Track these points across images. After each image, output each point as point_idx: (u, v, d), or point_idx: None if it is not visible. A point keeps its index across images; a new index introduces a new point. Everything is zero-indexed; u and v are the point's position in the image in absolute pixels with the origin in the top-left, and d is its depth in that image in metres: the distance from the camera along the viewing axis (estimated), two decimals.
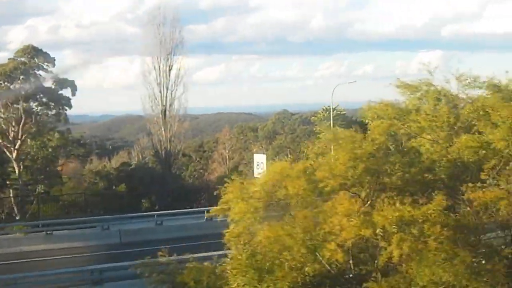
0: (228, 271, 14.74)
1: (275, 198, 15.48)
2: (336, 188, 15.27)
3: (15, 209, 44.13)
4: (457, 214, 16.01)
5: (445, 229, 14.03)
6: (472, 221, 15.96)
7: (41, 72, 45.36)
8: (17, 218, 42.43)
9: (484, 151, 16.94)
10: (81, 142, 58.39)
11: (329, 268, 14.91)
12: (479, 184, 15.93)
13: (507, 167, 16.76)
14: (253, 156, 42.27)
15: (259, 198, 15.31)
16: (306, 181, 15.16)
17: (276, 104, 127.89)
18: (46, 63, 45.15)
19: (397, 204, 14.30)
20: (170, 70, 52.61)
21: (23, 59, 44.53)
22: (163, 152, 53.39)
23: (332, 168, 15.37)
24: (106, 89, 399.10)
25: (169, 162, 53.48)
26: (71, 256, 30.81)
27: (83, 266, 26.14)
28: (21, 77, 44.01)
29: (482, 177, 16.45)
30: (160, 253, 17.11)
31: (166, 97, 52.92)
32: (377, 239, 14.27)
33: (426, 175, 17.00)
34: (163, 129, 52.93)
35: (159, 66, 52.53)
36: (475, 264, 14.29)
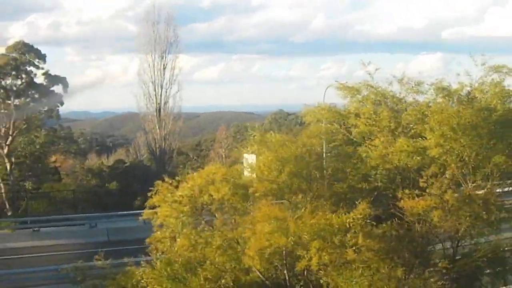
0: (144, 280, 14.14)
1: (199, 203, 14.85)
2: (266, 193, 14.64)
3: (7, 205, 43.98)
4: (389, 224, 15.17)
5: (368, 240, 13.24)
6: (406, 232, 15.18)
7: (32, 69, 45.07)
8: (9, 214, 42.33)
9: (419, 157, 16.32)
10: (74, 139, 58.12)
11: (251, 276, 14.31)
12: (417, 192, 15.24)
13: (445, 175, 15.94)
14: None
15: (182, 202, 14.70)
16: (232, 186, 14.50)
17: (277, 104, 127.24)
18: (37, 60, 44.91)
19: (321, 213, 13.49)
20: (164, 68, 53.01)
21: (14, 55, 44.31)
22: (157, 150, 53.24)
23: (258, 172, 14.85)
24: (108, 86, 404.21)
25: (163, 160, 53.31)
26: (56, 253, 30.49)
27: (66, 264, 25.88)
28: (13, 73, 43.85)
29: (421, 184, 15.68)
30: (96, 256, 16.48)
31: (161, 95, 53.24)
32: (295, 247, 13.56)
33: (364, 182, 16.46)
34: (157, 127, 52.92)
35: (154, 65, 52.94)
36: (404, 279, 13.54)
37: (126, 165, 56.67)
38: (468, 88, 17.48)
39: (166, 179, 15.48)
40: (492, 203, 15.46)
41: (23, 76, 43.46)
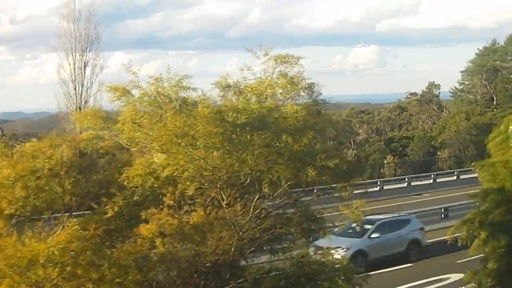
0: None
1: None
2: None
3: None
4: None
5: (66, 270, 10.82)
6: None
7: None
8: None
9: (152, 179, 13.07)
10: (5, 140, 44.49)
11: None
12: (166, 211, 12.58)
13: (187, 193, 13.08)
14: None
15: None
16: None
17: None
18: None
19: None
20: (85, 67, 50.11)
21: None
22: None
23: None
24: (42, 86, 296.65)
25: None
26: None
27: None
28: None
29: (166, 201, 12.94)
30: None
31: (81, 94, 50.24)
32: None
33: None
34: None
35: (74, 63, 49.72)
36: None
37: None
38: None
39: None
40: (233, 223, 12.85)
41: None
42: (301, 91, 14.08)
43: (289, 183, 13.41)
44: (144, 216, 12.49)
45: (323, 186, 14.52)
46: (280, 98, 14.01)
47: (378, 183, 51.69)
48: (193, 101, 13.54)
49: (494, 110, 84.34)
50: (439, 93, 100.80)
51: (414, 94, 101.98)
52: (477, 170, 20.67)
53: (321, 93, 14.66)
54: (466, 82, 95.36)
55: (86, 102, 53.50)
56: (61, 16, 55.87)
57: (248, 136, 12.96)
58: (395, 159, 66.65)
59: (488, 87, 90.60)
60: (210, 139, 12.79)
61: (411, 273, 28.07)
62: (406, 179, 53.50)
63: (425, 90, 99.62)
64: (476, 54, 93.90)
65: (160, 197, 13.14)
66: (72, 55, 51.89)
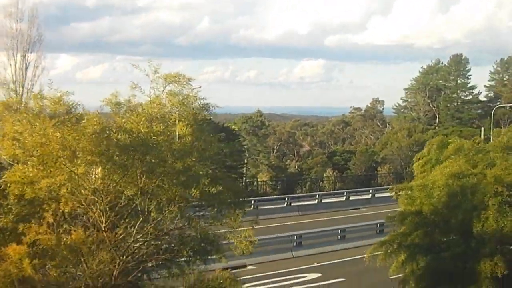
0: None
1: None
2: None
3: None
4: None
5: None
6: None
7: None
8: None
9: (29, 190, 12.53)
10: None
11: None
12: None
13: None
14: None
15: None
16: None
17: None
18: None
19: None
20: (27, 68, 48.44)
21: None
22: None
23: None
24: None
25: None
26: None
27: None
28: None
29: (47, 218, 12.32)
30: None
31: (22, 95, 48.09)
32: None
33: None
34: None
35: (15, 63, 47.98)
36: None
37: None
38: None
39: None
40: (113, 247, 12.46)
41: None
42: (195, 111, 13.81)
43: (176, 205, 13.10)
44: (22, 229, 12.00)
45: (213, 213, 14.17)
46: (171, 118, 13.70)
47: (317, 196, 51.91)
48: (78, 116, 13.15)
49: (436, 127, 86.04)
50: (383, 109, 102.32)
51: (358, 109, 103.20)
52: (395, 192, 21.01)
53: (215, 112, 14.48)
54: (409, 100, 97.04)
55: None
56: (5, 15, 55.06)
57: (131, 160, 12.59)
58: (334, 173, 66.97)
59: (431, 105, 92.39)
60: (91, 157, 12.38)
61: None
62: (345, 193, 53.81)
63: (369, 105, 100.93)
64: (420, 72, 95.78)
65: (42, 213, 12.63)
66: (14, 56, 51.24)
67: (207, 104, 14.12)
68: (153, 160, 12.73)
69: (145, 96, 14.01)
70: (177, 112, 13.79)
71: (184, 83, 13.92)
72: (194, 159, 13.25)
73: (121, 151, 12.50)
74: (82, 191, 12.50)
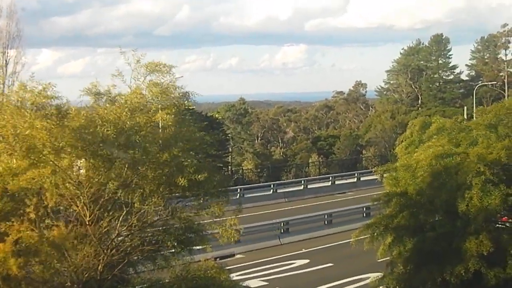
0: None
1: None
2: None
3: None
4: None
5: None
6: None
7: None
8: None
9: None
10: None
11: None
12: None
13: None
14: None
15: None
16: None
17: None
18: None
19: None
20: (7, 64, 47.55)
21: None
22: None
23: None
24: None
25: None
26: None
27: None
28: None
29: (29, 213, 12.21)
30: None
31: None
32: None
33: None
34: None
35: None
36: None
37: None
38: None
39: None
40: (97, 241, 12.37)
41: None
42: (175, 100, 13.71)
43: (159, 196, 13.06)
44: (3, 229, 11.82)
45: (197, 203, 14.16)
46: (152, 108, 13.58)
47: (302, 182, 52.05)
48: (62, 109, 12.93)
49: (419, 108, 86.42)
50: (365, 92, 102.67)
51: (341, 92, 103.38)
52: (379, 174, 20.97)
53: (197, 101, 14.37)
54: (391, 82, 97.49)
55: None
56: None
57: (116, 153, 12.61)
58: (319, 158, 67.18)
59: (413, 86, 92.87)
60: (76, 151, 12.37)
61: None
62: (330, 178, 54.04)
63: (352, 89, 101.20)
64: (401, 54, 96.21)
65: (23, 209, 12.50)
66: None
67: (187, 92, 14.04)
68: (137, 153, 12.71)
69: (125, 86, 13.85)
70: (158, 102, 13.71)
71: (166, 72, 13.81)
72: (178, 149, 13.23)
73: (106, 145, 12.51)
74: (67, 184, 12.46)
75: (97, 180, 12.46)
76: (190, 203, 14.13)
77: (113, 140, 12.54)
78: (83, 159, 12.69)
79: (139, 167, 12.77)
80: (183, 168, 13.16)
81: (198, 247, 14.56)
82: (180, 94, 13.74)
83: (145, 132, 13.04)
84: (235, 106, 79.22)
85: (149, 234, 13.52)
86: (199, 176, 12.76)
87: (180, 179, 12.77)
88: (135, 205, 12.84)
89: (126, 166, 12.62)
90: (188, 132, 13.67)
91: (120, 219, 12.80)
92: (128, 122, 12.95)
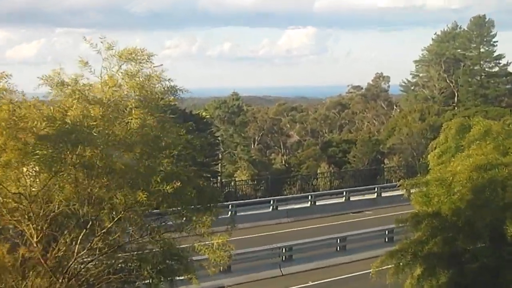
0: None
1: None
2: None
3: None
4: None
5: None
6: None
7: None
8: None
9: None
10: None
11: None
12: None
13: None
14: None
15: None
16: None
17: None
18: None
19: None
20: None
21: None
22: None
23: None
24: None
25: None
26: None
27: None
28: None
29: None
30: None
31: None
32: None
33: None
34: None
35: None
36: None
37: None
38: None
39: None
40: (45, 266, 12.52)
41: None
42: (155, 95, 13.62)
43: (127, 212, 13.00)
44: None
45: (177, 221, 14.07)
46: (128, 105, 13.47)
47: (309, 197, 52.01)
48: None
49: (455, 108, 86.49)
50: (388, 86, 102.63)
51: (358, 87, 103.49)
52: (406, 190, 20.82)
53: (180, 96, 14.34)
54: (421, 74, 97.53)
55: None
56: None
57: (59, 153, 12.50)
58: (330, 168, 67.17)
59: (448, 80, 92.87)
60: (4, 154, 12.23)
61: None
62: (344, 193, 53.98)
63: (371, 83, 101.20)
64: (433, 40, 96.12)
65: None
66: None
67: (172, 87, 13.98)
68: (87, 152, 12.55)
69: (95, 77, 13.80)
70: (136, 97, 13.73)
71: (143, 60, 13.75)
72: (138, 151, 13.13)
73: (44, 143, 12.42)
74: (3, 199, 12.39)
75: (41, 188, 12.40)
76: (168, 223, 14.10)
77: (51, 135, 12.46)
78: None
79: (92, 171, 12.70)
80: (148, 176, 13.08)
81: (181, 278, 14.42)
82: (164, 89, 13.71)
83: (100, 128, 13.01)
84: (226, 103, 79.11)
85: (120, 261, 13.43)
86: (167, 187, 12.55)
87: (140, 193, 12.60)
88: (100, 223, 12.74)
89: (76, 169, 12.61)
90: (163, 130, 13.76)
91: (79, 240, 12.65)
92: (77, 116, 13.02)
